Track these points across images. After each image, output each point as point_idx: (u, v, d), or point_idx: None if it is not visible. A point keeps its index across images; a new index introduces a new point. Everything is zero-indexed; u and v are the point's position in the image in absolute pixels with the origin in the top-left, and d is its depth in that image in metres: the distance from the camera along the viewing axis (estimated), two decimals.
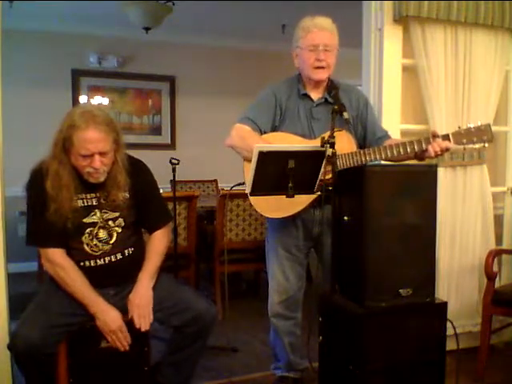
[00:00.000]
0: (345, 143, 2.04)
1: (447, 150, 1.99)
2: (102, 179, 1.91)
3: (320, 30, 2.10)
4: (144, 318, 1.94)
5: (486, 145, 2.05)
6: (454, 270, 2.79)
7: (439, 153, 1.97)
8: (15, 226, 3.44)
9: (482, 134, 2.00)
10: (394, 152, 1.99)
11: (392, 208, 1.66)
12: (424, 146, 1.97)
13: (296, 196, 1.78)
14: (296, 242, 2.26)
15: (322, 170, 1.81)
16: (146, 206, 2.07)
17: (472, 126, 2.03)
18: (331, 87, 2.14)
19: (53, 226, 1.88)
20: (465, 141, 2.01)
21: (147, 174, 2.12)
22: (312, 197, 2.03)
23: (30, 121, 4.80)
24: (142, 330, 1.93)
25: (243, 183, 2.16)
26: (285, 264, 2.28)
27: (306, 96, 2.20)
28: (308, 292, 2.41)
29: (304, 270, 2.34)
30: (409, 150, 1.99)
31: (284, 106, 2.20)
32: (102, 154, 1.85)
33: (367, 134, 2.23)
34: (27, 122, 4.76)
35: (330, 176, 1.84)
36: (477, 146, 2.07)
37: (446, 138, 2.00)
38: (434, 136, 1.97)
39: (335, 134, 1.78)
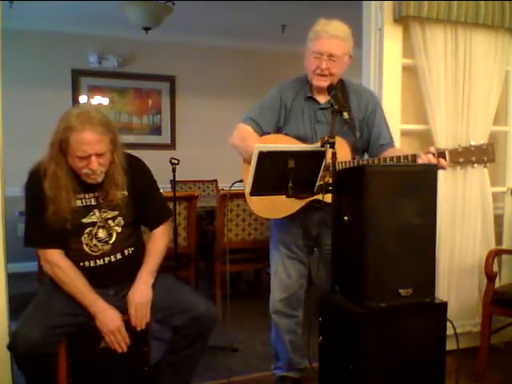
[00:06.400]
0: (339, 149, 2.02)
1: (441, 168, 1.91)
2: (99, 180, 1.91)
3: (329, 38, 2.06)
4: (141, 318, 1.94)
5: (487, 165, 1.94)
6: (454, 270, 2.79)
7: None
8: (15, 226, 3.44)
9: (483, 154, 1.91)
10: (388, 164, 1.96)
11: (392, 208, 1.66)
12: (417, 160, 1.92)
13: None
14: (296, 241, 2.26)
15: (321, 173, 1.81)
16: (145, 203, 2.07)
17: (473, 143, 1.92)
18: (332, 88, 2.13)
19: (51, 226, 1.88)
20: (462, 160, 1.91)
21: (146, 171, 2.12)
22: (305, 200, 2.04)
23: (30, 121, 4.80)
24: (138, 329, 1.94)
25: (242, 180, 2.16)
26: (286, 262, 2.29)
27: (312, 98, 2.20)
28: (309, 291, 2.42)
29: (306, 269, 2.35)
30: (402, 163, 1.94)
31: (289, 107, 2.20)
32: (98, 155, 1.84)
33: (371, 140, 2.21)
34: (27, 122, 4.77)
35: (327, 179, 1.84)
36: (475, 166, 1.95)
37: (441, 154, 1.91)
38: (428, 152, 1.92)
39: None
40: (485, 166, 1.97)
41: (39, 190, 1.87)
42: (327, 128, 2.09)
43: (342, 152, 2.06)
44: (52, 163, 1.87)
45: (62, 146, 1.84)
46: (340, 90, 2.11)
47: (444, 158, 1.91)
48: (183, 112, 5.68)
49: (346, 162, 2.01)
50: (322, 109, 2.19)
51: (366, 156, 2.26)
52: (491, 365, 2.58)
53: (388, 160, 1.97)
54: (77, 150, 1.81)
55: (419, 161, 1.91)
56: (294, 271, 2.30)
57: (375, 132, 2.20)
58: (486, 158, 1.93)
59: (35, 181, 1.91)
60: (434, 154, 1.91)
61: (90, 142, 1.81)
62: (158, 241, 2.10)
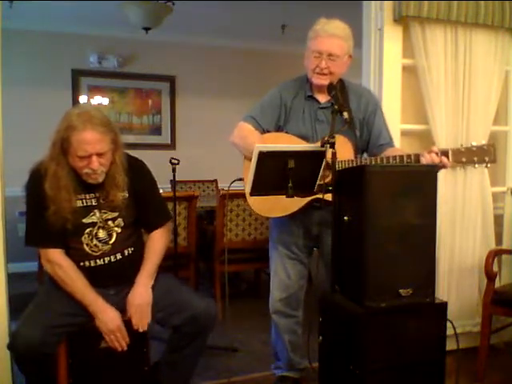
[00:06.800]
0: (342, 149, 2.02)
1: (444, 167, 1.92)
2: (100, 180, 1.92)
3: (328, 37, 2.06)
4: (142, 319, 1.94)
5: (489, 165, 1.96)
6: (454, 270, 2.79)
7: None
8: (15, 226, 3.43)
9: (485, 154, 1.92)
10: (391, 163, 1.96)
11: (392, 208, 1.66)
12: (420, 159, 1.92)
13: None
14: (296, 241, 2.26)
15: (321, 173, 1.81)
16: (144, 205, 2.07)
17: (475, 144, 1.94)
18: (332, 87, 2.13)
19: (52, 226, 1.88)
20: (464, 159, 1.92)
21: (146, 173, 2.12)
22: (307, 199, 2.04)
23: (30, 121, 4.80)
24: (140, 330, 1.94)
25: (242, 179, 2.16)
26: (286, 262, 2.29)
27: (312, 97, 2.20)
28: (309, 291, 2.42)
29: (306, 269, 2.35)
30: (405, 162, 1.94)
31: (289, 106, 2.20)
32: (99, 154, 1.85)
33: (370, 140, 2.21)
34: (27, 122, 4.76)
35: (328, 179, 1.84)
36: (477, 166, 1.97)
37: (444, 153, 1.92)
38: (431, 152, 1.93)
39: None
40: (486, 166, 1.98)
41: (40, 190, 1.88)
42: (327, 127, 2.09)
43: (345, 151, 2.06)
44: (53, 163, 1.87)
45: (63, 146, 1.84)
46: (340, 90, 2.11)
47: (447, 157, 1.92)
48: (183, 112, 5.67)
49: (348, 161, 2.01)
50: (322, 108, 2.19)
51: (365, 156, 2.26)
52: (491, 365, 2.58)
53: (391, 159, 1.97)
54: (78, 149, 1.82)
55: (422, 159, 1.92)
56: (293, 272, 2.30)
57: (375, 132, 2.20)
58: (487, 159, 1.94)
59: (36, 180, 1.91)
60: (437, 154, 1.92)
61: (90, 142, 1.81)
62: (157, 241, 2.10)
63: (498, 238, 2.93)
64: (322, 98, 2.19)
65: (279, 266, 2.31)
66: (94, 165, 1.85)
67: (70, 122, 1.81)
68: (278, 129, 2.22)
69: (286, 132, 2.20)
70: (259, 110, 2.22)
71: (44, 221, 1.88)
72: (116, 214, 1.99)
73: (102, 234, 1.97)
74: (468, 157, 1.93)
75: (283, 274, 2.30)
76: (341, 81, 2.20)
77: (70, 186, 1.88)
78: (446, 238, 2.75)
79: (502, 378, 2.58)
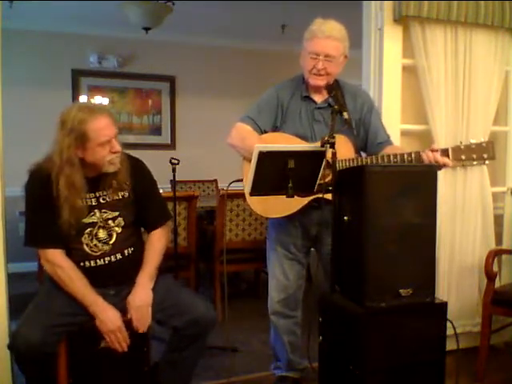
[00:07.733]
0: (343, 148, 2.02)
1: (445, 165, 1.95)
2: (119, 165, 1.94)
3: (325, 38, 2.06)
4: (142, 321, 1.94)
5: (487, 162, 1.98)
6: (454, 270, 2.79)
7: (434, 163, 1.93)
8: (16, 225, 3.43)
9: (483, 151, 1.95)
10: (391, 161, 1.98)
11: (392, 208, 1.66)
12: (421, 157, 1.95)
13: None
14: (294, 241, 2.26)
15: (322, 172, 1.81)
16: (145, 204, 2.07)
17: (474, 141, 1.96)
18: (332, 88, 2.13)
19: (52, 226, 1.88)
20: (463, 157, 1.95)
21: (146, 173, 2.13)
22: (307, 199, 2.04)
23: (30, 121, 4.80)
24: (140, 331, 1.94)
25: (241, 180, 2.16)
26: (284, 262, 2.29)
27: (308, 98, 2.20)
28: (308, 291, 2.42)
29: (304, 269, 2.35)
30: (406, 160, 1.97)
31: (286, 107, 2.20)
32: (115, 137, 1.89)
33: (368, 139, 2.22)
34: (27, 121, 4.77)
35: (329, 179, 1.84)
36: (475, 163, 1.99)
37: (444, 152, 1.95)
38: (433, 150, 1.95)
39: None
40: (484, 163, 1.99)
41: (40, 191, 1.87)
42: (325, 127, 2.10)
43: (346, 150, 2.07)
44: (67, 167, 1.85)
45: (79, 143, 1.83)
46: (337, 90, 2.12)
47: (447, 156, 1.94)
48: (183, 112, 5.68)
49: (349, 160, 2.01)
50: (318, 108, 2.19)
51: (363, 155, 2.26)
52: (491, 365, 2.58)
53: (392, 157, 1.98)
54: (97, 137, 1.83)
55: (425, 158, 1.93)
56: (291, 272, 2.29)
57: (372, 131, 2.21)
58: (486, 155, 1.96)
59: (36, 181, 1.91)
60: (437, 151, 1.93)
61: (106, 126, 1.85)
62: (157, 242, 2.10)
63: (498, 238, 2.93)
64: (319, 98, 2.19)
65: (277, 267, 2.31)
66: (117, 147, 1.89)
67: (77, 118, 1.82)
68: (275, 129, 2.22)
69: (283, 132, 2.20)
70: (256, 110, 2.22)
71: (44, 221, 1.88)
72: (116, 214, 1.99)
73: (102, 234, 1.97)
74: (467, 154, 1.96)
75: (281, 275, 2.30)
76: (336, 81, 2.20)
77: (81, 189, 1.89)
78: (445, 238, 2.75)
79: (502, 378, 2.58)
